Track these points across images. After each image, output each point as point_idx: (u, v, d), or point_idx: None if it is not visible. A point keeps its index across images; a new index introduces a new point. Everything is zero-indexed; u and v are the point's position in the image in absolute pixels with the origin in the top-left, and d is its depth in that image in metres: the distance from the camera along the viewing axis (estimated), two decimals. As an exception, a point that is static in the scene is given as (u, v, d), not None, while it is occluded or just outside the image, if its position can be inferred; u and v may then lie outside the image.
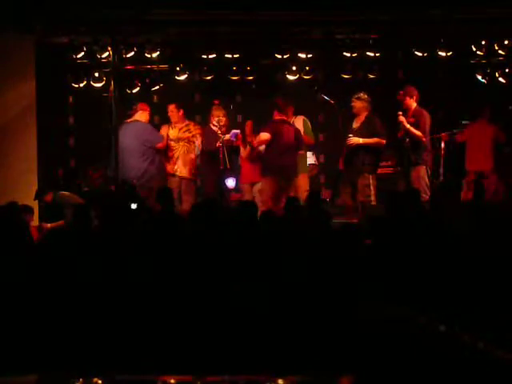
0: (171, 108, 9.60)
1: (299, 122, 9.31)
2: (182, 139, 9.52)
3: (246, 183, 9.26)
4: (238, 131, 9.17)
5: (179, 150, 9.51)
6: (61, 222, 7.79)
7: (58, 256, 4.24)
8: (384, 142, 8.86)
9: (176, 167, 9.47)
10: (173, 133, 9.54)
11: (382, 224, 4.99)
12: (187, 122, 9.67)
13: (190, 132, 9.55)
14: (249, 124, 9.28)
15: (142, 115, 9.54)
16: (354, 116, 9.05)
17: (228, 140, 9.05)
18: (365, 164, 8.81)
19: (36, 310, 3.48)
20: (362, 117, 8.93)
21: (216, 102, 9.72)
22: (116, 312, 3.43)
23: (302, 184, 8.99)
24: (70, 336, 3.29)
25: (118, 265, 4.01)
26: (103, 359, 3.12)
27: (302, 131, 9.17)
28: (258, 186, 9.09)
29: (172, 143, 9.52)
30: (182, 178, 9.45)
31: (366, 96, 8.97)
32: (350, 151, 8.82)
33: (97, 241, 5.32)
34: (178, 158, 9.48)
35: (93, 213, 7.91)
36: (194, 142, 9.55)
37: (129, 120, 9.57)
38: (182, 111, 9.60)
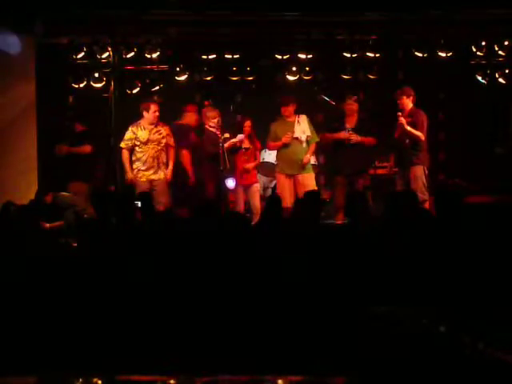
0: (155, 108, 8.89)
1: (304, 120, 9.26)
2: (152, 141, 8.85)
3: (241, 185, 9.26)
4: (243, 135, 9.19)
5: (148, 152, 8.83)
6: (60, 223, 7.80)
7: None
8: (376, 141, 8.97)
9: (147, 171, 8.83)
10: (142, 134, 8.83)
11: (381, 224, 4.99)
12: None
13: (161, 134, 8.88)
14: (249, 123, 9.25)
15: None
16: (341, 117, 9.09)
17: (232, 142, 9.04)
18: (364, 164, 8.99)
19: (35, 310, 3.48)
20: (354, 117, 9.02)
21: (207, 103, 9.68)
22: (115, 312, 3.43)
23: (310, 183, 9.00)
24: (69, 336, 3.29)
25: (117, 265, 4.02)
26: (103, 359, 3.13)
27: (309, 129, 9.16)
28: (253, 187, 9.19)
29: (140, 145, 8.82)
30: (153, 181, 8.80)
31: (356, 98, 9.13)
32: (347, 152, 8.88)
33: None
34: (146, 160, 8.80)
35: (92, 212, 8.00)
36: (163, 144, 8.91)
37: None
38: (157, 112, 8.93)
